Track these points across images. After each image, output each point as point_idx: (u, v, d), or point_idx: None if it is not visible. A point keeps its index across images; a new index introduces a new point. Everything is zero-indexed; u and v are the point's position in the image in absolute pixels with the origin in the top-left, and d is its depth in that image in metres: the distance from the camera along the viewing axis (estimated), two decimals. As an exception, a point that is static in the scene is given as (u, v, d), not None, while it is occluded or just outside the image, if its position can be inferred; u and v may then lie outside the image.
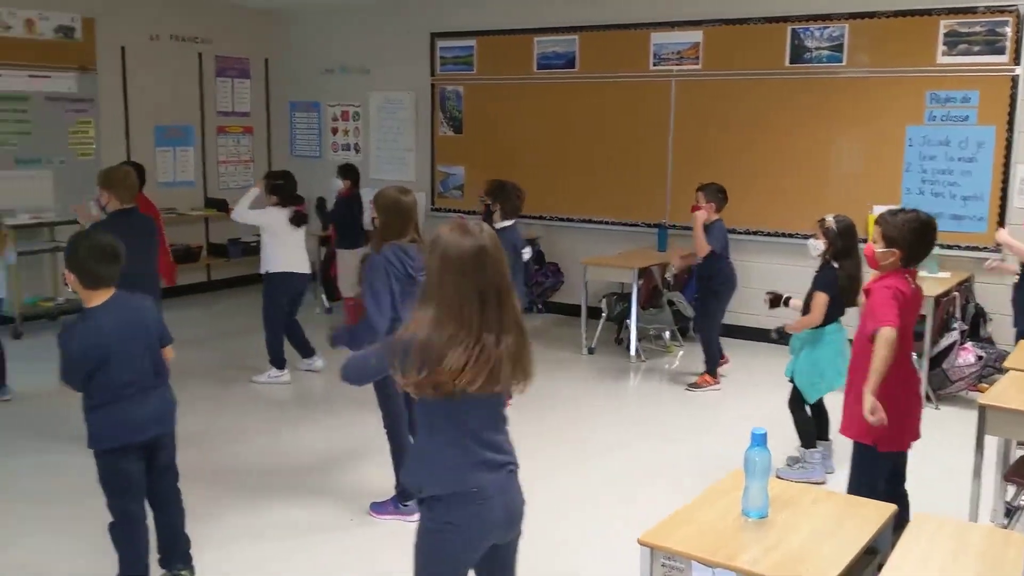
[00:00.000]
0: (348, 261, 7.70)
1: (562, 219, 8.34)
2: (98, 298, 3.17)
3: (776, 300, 4.94)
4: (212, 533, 3.93)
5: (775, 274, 7.07)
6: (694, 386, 6.26)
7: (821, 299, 4.47)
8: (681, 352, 7.23)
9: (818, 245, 4.51)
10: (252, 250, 9.33)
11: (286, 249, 6.19)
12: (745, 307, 7.06)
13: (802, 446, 4.73)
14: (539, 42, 8.29)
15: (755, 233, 7.34)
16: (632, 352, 6.97)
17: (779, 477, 4.34)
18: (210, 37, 9.21)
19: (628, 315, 6.99)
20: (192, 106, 9.18)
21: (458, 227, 2.32)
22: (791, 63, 7.10)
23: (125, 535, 3.34)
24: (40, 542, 3.99)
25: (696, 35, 7.50)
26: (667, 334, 7.39)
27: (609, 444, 5.30)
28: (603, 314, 7.34)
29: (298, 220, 6.24)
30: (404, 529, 4.13)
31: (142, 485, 3.36)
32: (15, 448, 5.14)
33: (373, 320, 3.82)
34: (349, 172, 7.79)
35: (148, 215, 5.39)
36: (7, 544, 3.97)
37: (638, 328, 6.96)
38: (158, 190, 8.53)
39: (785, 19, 7.08)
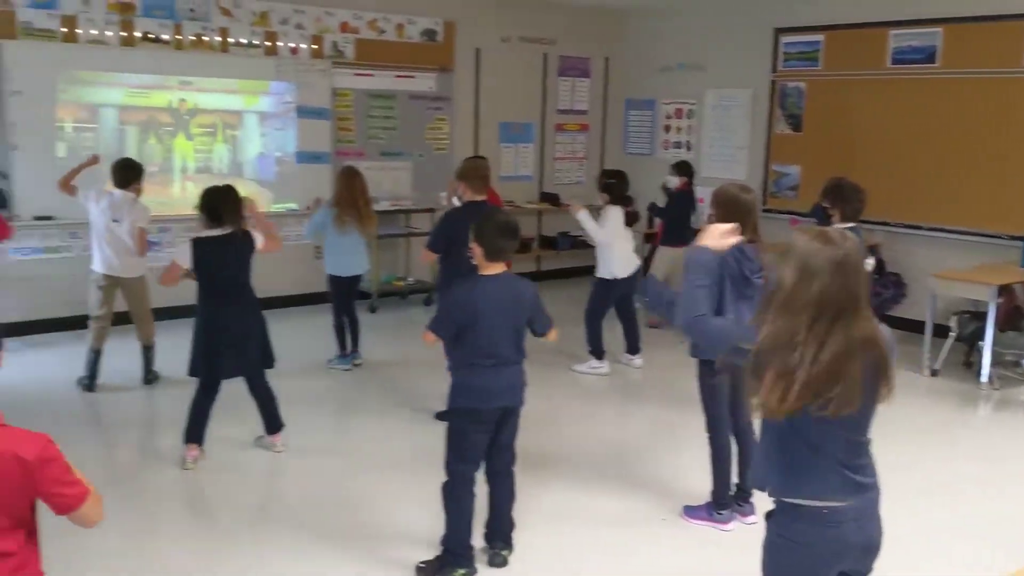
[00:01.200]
0: (665, 257, 7.63)
1: (908, 226, 7.68)
2: (491, 270, 3.49)
3: None
4: (522, 516, 4.08)
5: None
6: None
7: None
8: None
9: None
10: (580, 244, 9.63)
11: (620, 252, 6.30)
12: None
13: None
14: (895, 35, 7.69)
15: None
16: (983, 378, 6.25)
17: None
18: (555, 38, 9.61)
19: (981, 336, 6.28)
20: (534, 104, 9.64)
21: (818, 235, 2.19)
22: None
23: (454, 495, 3.58)
24: (378, 502, 4.39)
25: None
26: (1028, 361, 6.54)
27: (968, 478, 4.81)
28: (951, 333, 6.65)
29: (630, 220, 6.34)
30: (714, 537, 4.05)
31: (481, 452, 3.60)
32: (360, 409, 5.73)
33: (674, 313, 3.79)
34: (684, 168, 7.77)
35: (497, 207, 5.73)
36: (347, 502, 4.41)
37: (993, 352, 6.23)
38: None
39: None
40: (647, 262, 8.56)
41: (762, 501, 2.51)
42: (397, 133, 8.64)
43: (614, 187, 6.38)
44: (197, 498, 4.48)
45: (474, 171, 5.11)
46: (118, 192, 5.68)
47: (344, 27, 8.18)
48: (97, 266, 5.73)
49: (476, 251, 3.50)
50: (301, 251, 8.13)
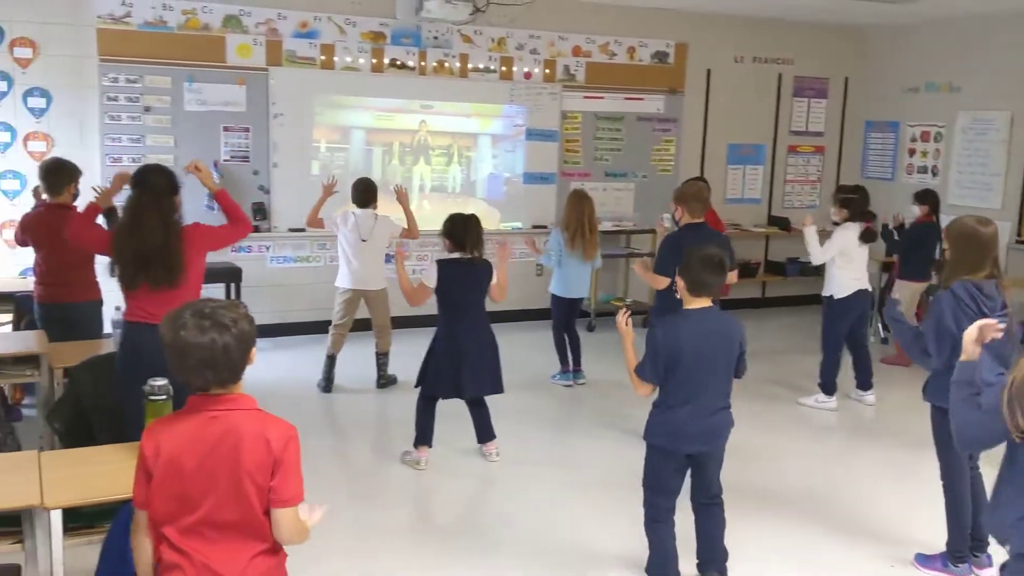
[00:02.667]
0: (904, 292, 7.19)
1: None
2: (696, 304, 3.42)
3: None
4: (738, 552, 3.95)
5: None
6: None
7: None
8: None
9: None
10: (810, 270, 9.23)
11: (851, 271, 5.98)
12: None
13: None
14: None
15: None
16: None
17: None
18: (791, 58, 9.30)
19: None
20: (766, 126, 9.38)
21: None
22: None
23: (651, 528, 3.57)
24: (587, 521, 4.42)
25: None
26: None
27: None
28: None
29: (867, 237, 6.00)
30: (952, 591, 3.74)
31: (675, 488, 3.54)
32: (576, 426, 5.79)
33: (924, 361, 3.62)
34: (927, 198, 7.25)
35: (716, 230, 5.63)
36: (558, 518, 4.46)
37: None
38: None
39: None
40: (883, 293, 8.08)
41: (999, 554, 2.30)
42: (623, 154, 8.69)
43: (854, 202, 6.04)
44: (422, 500, 4.71)
45: (693, 193, 5.05)
46: (360, 211, 6.11)
47: (576, 51, 8.36)
48: (343, 282, 6.18)
49: (680, 284, 3.44)
50: (524, 268, 8.37)
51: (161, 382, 2.85)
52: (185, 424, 2.18)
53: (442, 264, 4.75)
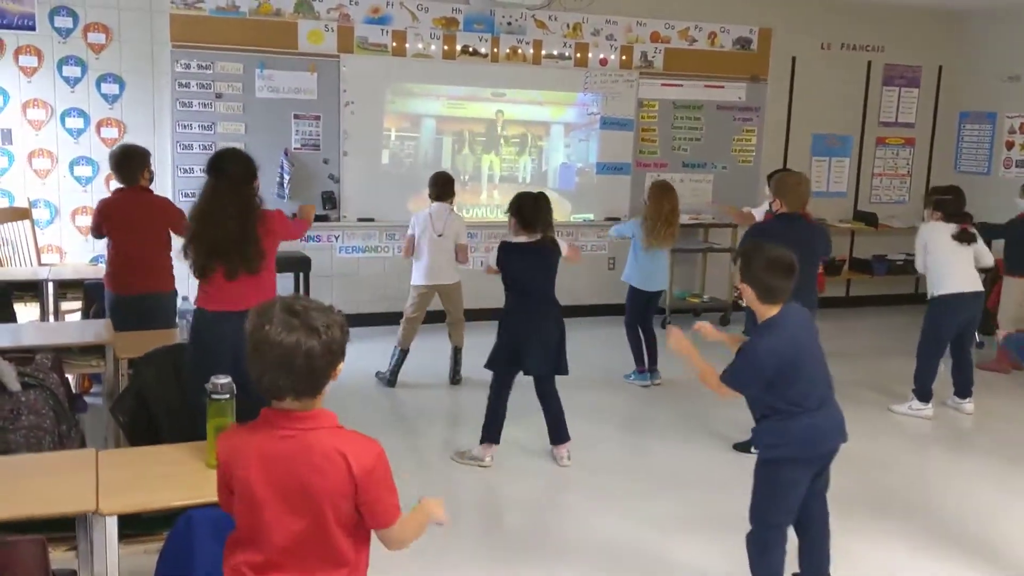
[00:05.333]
0: (1014, 290, 6.77)
1: None
2: (772, 311, 3.11)
3: None
4: (840, 571, 3.67)
5: None
6: None
7: None
8: None
9: None
10: (899, 269, 8.80)
11: (951, 268, 5.58)
12: None
13: None
14: None
15: None
16: None
17: None
18: (882, 44, 8.83)
19: None
20: (853, 116, 8.93)
21: None
22: None
23: (766, 550, 3.24)
24: (669, 535, 4.15)
25: None
26: None
27: None
28: None
29: (963, 238, 5.59)
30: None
31: (798, 501, 3.24)
32: (652, 429, 5.51)
33: None
34: (1033, 191, 6.79)
35: (811, 222, 5.29)
36: (636, 531, 4.21)
37: None
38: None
39: None
40: (987, 292, 7.60)
41: None
42: (701, 144, 8.35)
43: (947, 204, 5.65)
44: (487, 500, 4.50)
45: (794, 187, 4.72)
46: (435, 205, 5.93)
47: (654, 37, 8.04)
48: (418, 279, 6.02)
49: (747, 293, 3.10)
50: (595, 260, 8.11)
51: (224, 380, 2.68)
52: (256, 442, 1.97)
53: (506, 248, 4.58)
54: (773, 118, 8.58)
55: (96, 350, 4.31)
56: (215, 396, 2.68)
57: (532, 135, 7.84)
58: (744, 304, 3.17)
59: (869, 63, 8.86)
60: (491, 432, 4.74)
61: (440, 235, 5.91)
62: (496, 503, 4.50)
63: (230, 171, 3.63)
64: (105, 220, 4.89)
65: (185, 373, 3.68)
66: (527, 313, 4.62)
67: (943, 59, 9.06)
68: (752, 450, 4.91)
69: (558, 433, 4.83)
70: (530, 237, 4.55)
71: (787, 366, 3.04)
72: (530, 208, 4.54)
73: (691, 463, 4.93)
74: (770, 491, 3.25)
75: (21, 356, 3.87)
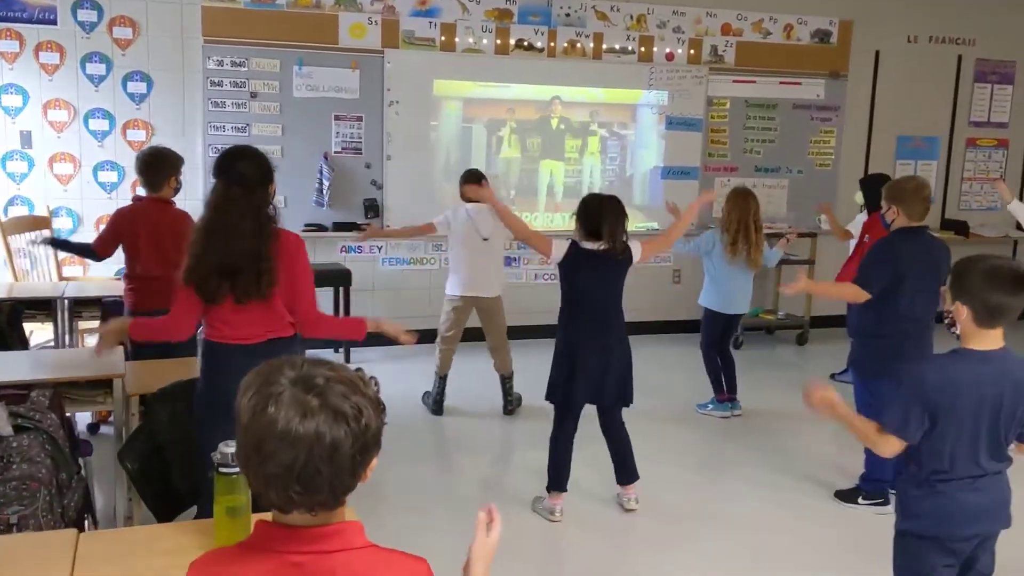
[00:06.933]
0: None
1: None
2: (982, 343, 2.44)
3: None
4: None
5: None
6: None
7: None
8: None
9: None
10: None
11: None
12: None
13: None
14: None
15: None
16: None
17: None
18: (973, 38, 8.05)
19: None
20: (942, 115, 8.16)
21: None
22: None
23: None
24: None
25: None
26: None
27: None
28: None
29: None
30: None
31: None
32: (733, 468, 4.82)
33: None
34: None
35: (938, 239, 4.57)
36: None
37: None
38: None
39: None
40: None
41: None
42: (776, 146, 7.65)
43: None
44: (551, 559, 3.88)
45: (913, 190, 4.03)
46: (472, 208, 5.27)
47: (726, 29, 7.36)
48: (454, 289, 5.41)
49: (960, 312, 2.44)
50: (658, 272, 7.46)
51: (234, 448, 2.09)
52: (251, 575, 1.37)
53: (575, 249, 3.96)
54: (854, 118, 7.84)
55: (105, 383, 3.76)
56: (223, 470, 2.09)
57: (591, 137, 7.19)
58: (956, 333, 2.50)
59: (960, 57, 8.08)
60: (556, 479, 4.12)
61: (486, 239, 5.27)
62: (558, 560, 3.87)
63: (243, 173, 3.05)
64: (117, 231, 4.39)
65: (196, 418, 3.12)
66: (589, 333, 3.98)
67: (1041, 53, 8.27)
68: (860, 501, 4.26)
69: (625, 472, 4.19)
70: (597, 245, 3.93)
71: (939, 409, 2.41)
72: (595, 211, 3.91)
73: (782, 514, 4.25)
74: (905, 565, 2.62)
75: (15, 393, 3.33)
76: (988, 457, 2.48)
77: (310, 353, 1.56)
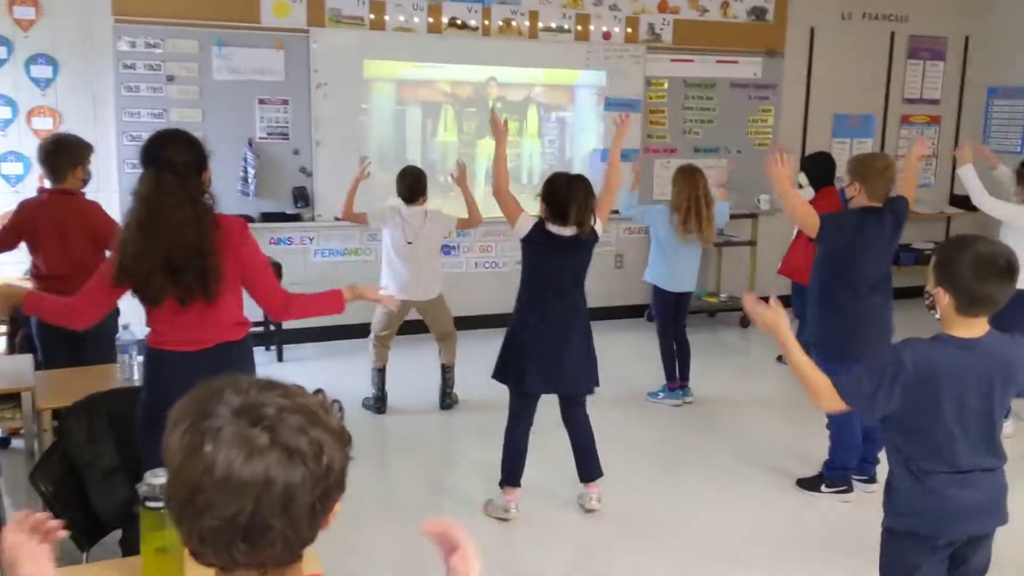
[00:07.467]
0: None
1: None
2: (965, 331, 2.31)
3: None
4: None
5: None
6: None
7: None
8: None
9: None
10: (926, 260, 8.05)
11: None
12: None
13: None
14: None
15: None
16: None
17: None
18: (906, 14, 8.05)
19: None
20: (876, 93, 8.15)
21: None
22: None
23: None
24: None
25: None
26: None
27: None
28: None
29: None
30: None
31: None
32: (692, 460, 4.68)
33: None
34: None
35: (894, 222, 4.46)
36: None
37: None
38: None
39: None
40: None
41: None
42: (715, 126, 7.53)
43: None
44: (504, 566, 3.67)
45: (881, 172, 3.90)
46: (406, 210, 5.01)
47: (663, 7, 7.20)
48: (389, 290, 5.13)
49: (942, 298, 2.30)
50: (602, 258, 7.28)
51: (163, 479, 1.82)
52: None
53: (540, 230, 3.73)
54: (791, 96, 7.78)
55: (13, 396, 3.40)
56: (150, 504, 1.81)
57: (529, 118, 6.96)
58: (937, 316, 2.35)
59: (892, 34, 8.08)
60: (510, 472, 3.90)
61: (410, 243, 5.00)
62: (512, 567, 3.66)
63: (174, 160, 2.74)
64: (19, 224, 4.02)
65: (138, 433, 2.82)
66: (547, 317, 3.77)
67: (970, 29, 8.31)
68: (822, 489, 4.15)
69: (588, 468, 4.00)
70: (564, 229, 3.71)
71: (924, 400, 2.27)
72: (563, 193, 3.69)
73: (744, 506, 4.12)
74: (889, 565, 2.49)
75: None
76: (980, 451, 2.35)
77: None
